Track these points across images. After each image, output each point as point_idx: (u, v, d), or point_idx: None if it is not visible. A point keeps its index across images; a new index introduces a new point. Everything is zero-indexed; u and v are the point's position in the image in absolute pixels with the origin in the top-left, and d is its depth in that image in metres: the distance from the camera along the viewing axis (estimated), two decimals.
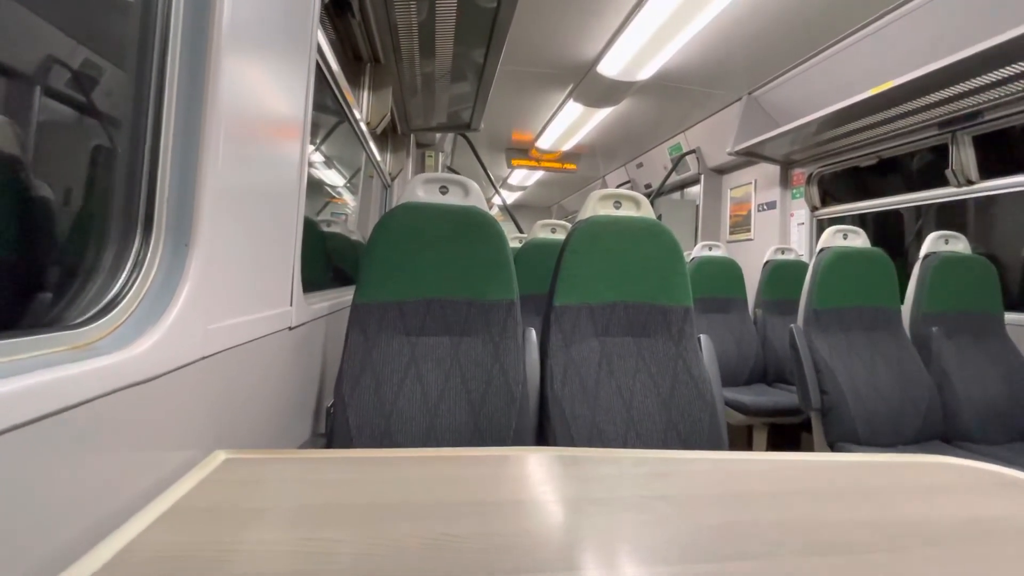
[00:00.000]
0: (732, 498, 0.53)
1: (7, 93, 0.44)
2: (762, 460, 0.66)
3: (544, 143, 4.12)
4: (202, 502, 0.47)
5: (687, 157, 3.75)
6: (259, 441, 0.76)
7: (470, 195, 1.21)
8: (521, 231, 3.46)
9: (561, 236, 2.15)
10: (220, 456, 0.58)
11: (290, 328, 0.88)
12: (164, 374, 0.48)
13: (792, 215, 3.11)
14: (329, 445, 1.00)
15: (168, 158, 0.55)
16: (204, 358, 0.56)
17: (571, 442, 1.07)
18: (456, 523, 0.44)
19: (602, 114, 3.34)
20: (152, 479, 0.48)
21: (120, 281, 0.50)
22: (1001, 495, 0.57)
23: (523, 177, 5.68)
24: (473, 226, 1.15)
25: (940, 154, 2.26)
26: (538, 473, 0.59)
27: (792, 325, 1.68)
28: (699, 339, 1.23)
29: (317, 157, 1.65)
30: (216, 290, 0.59)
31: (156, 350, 0.47)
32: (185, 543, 0.39)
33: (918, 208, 2.54)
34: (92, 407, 0.40)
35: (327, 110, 1.55)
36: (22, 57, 0.44)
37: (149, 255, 0.52)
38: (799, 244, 3.02)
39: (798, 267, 2.55)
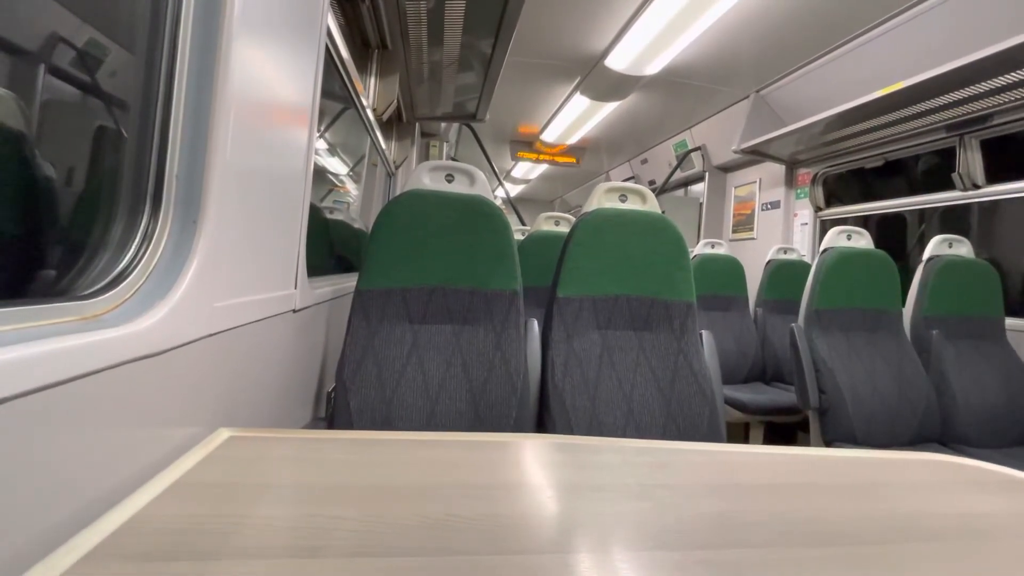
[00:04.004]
0: (732, 488, 0.53)
1: (24, 75, 0.44)
2: (761, 453, 0.66)
3: (549, 136, 4.11)
4: (206, 478, 0.47)
5: (692, 154, 3.74)
6: (261, 422, 0.76)
7: (476, 184, 1.20)
8: (524, 223, 3.45)
9: (564, 229, 2.15)
10: (224, 434, 0.58)
11: (294, 311, 0.88)
12: (170, 349, 0.48)
13: (796, 215, 3.11)
14: (330, 429, 1.01)
15: (178, 137, 0.55)
16: (210, 335, 0.56)
17: (570, 433, 1.07)
18: (459, 504, 0.45)
19: (608, 108, 3.32)
20: (157, 454, 0.48)
21: (128, 255, 0.50)
22: (996, 493, 0.57)
23: (527, 170, 5.66)
24: (478, 215, 1.15)
25: (946, 157, 2.25)
26: (539, 459, 0.59)
27: (793, 324, 1.69)
28: (700, 335, 1.23)
29: (322, 143, 1.65)
30: (223, 268, 0.59)
31: (163, 325, 0.47)
32: (190, 516, 0.40)
33: (921, 211, 2.53)
34: (99, 379, 0.40)
35: (334, 96, 1.54)
36: (42, 41, 0.45)
37: (157, 230, 0.52)
38: (802, 244, 3.02)
39: (800, 267, 2.55)
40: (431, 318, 1.11)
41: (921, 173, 2.51)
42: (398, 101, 2.16)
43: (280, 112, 0.75)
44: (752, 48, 2.39)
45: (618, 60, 2.55)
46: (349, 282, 1.38)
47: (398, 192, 1.17)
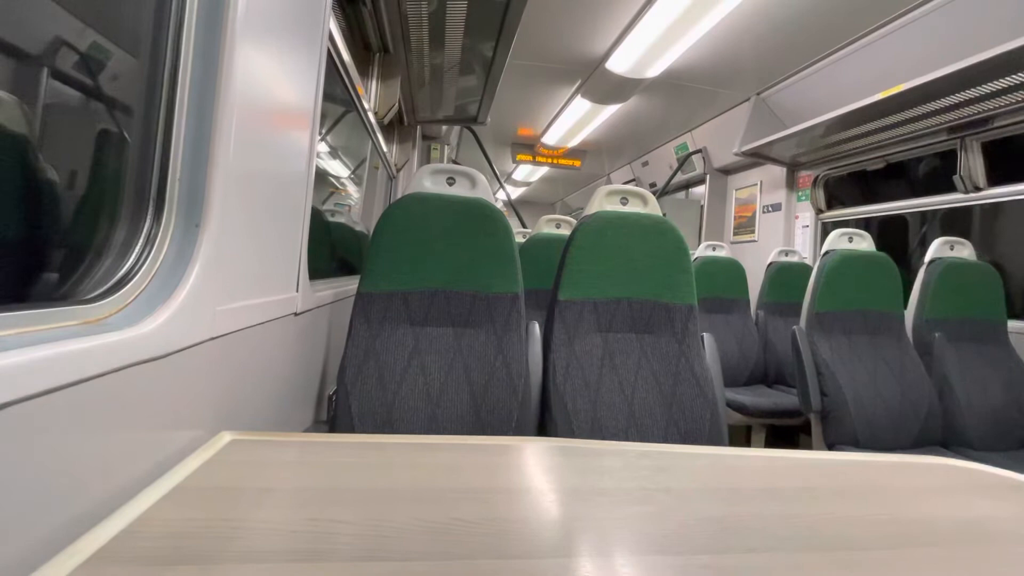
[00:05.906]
0: (734, 492, 0.53)
1: (27, 79, 0.44)
2: (763, 457, 0.66)
3: (550, 139, 4.11)
4: (208, 481, 0.47)
5: (693, 157, 3.74)
6: (263, 425, 0.76)
7: (477, 187, 1.21)
8: (525, 226, 3.46)
9: (565, 232, 2.15)
10: (226, 437, 0.58)
11: (295, 314, 0.88)
12: (173, 353, 0.48)
13: (797, 217, 3.11)
14: (331, 432, 1.01)
15: (181, 141, 0.55)
16: (212, 339, 0.56)
17: (572, 436, 1.07)
18: (461, 508, 0.45)
19: (609, 111, 3.33)
20: (159, 457, 0.48)
21: (131, 259, 0.50)
22: (1000, 496, 0.57)
23: (528, 173, 5.67)
24: (479, 218, 1.15)
25: (948, 159, 2.25)
26: (541, 463, 0.59)
27: (795, 327, 1.68)
28: (702, 337, 1.23)
29: (324, 146, 1.65)
30: (225, 272, 0.59)
31: (166, 328, 0.47)
32: (192, 520, 0.40)
33: (923, 213, 2.53)
34: (102, 382, 0.40)
35: (336, 99, 1.55)
36: (45, 45, 0.46)
37: (160, 234, 0.52)
38: (803, 247, 3.02)
39: (801, 269, 2.55)
40: (432, 321, 1.11)
41: (922, 175, 2.51)
42: (399, 104, 2.16)
43: (282, 115, 0.76)
44: (753, 51, 2.40)
45: (619, 63, 2.56)
46: (350, 285, 1.38)
47: (399, 195, 1.17)
